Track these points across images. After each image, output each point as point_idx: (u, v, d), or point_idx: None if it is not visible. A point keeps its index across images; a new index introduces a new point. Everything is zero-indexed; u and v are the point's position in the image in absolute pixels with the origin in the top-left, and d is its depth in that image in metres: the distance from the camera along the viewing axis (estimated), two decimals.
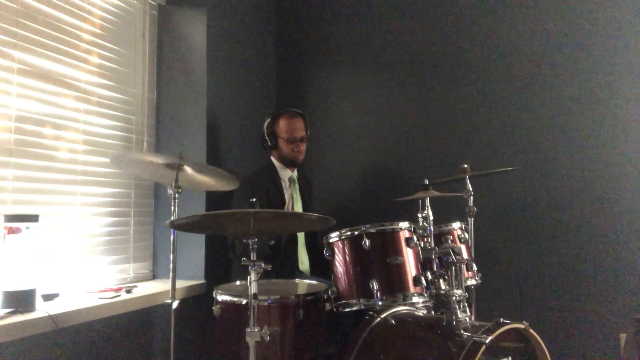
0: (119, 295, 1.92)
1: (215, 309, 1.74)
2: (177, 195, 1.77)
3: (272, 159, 2.50)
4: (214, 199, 2.37)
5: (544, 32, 2.62)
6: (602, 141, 2.48)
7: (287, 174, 2.48)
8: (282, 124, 2.43)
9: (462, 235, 2.10)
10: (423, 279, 1.76)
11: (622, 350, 2.34)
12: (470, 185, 2.26)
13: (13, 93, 1.75)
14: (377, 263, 1.76)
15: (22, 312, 1.54)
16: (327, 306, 1.78)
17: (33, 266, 1.59)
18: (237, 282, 1.99)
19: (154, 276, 2.39)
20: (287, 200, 2.40)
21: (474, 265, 2.03)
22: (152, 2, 2.44)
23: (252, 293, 1.44)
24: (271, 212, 1.58)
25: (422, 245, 1.85)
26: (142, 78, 2.38)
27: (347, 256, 1.81)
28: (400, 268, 1.76)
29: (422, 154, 2.84)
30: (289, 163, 2.47)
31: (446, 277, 1.75)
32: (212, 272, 2.37)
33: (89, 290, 1.95)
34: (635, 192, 2.41)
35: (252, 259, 1.47)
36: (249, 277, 1.46)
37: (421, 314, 1.84)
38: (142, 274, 2.34)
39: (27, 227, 1.58)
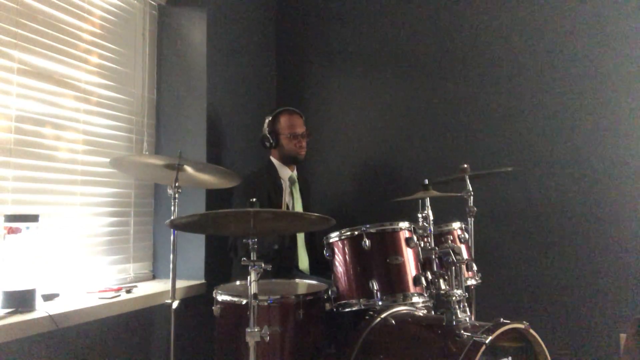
0: (119, 295, 1.92)
1: (215, 309, 1.74)
2: (177, 195, 1.77)
3: (272, 158, 2.51)
4: (214, 198, 2.37)
5: (544, 33, 2.62)
6: (602, 141, 2.48)
7: (287, 174, 2.48)
8: (283, 121, 2.45)
9: (462, 235, 2.10)
10: (423, 279, 1.76)
11: (622, 350, 2.34)
12: (470, 185, 2.26)
13: (13, 93, 1.75)
14: (377, 263, 1.76)
15: (22, 312, 1.54)
16: (327, 306, 1.78)
17: (33, 266, 1.59)
18: (237, 282, 1.99)
19: (154, 276, 2.39)
20: (285, 201, 2.40)
21: (474, 265, 2.03)
22: (152, 2, 2.44)
23: (252, 293, 1.44)
24: (271, 212, 1.58)
25: (422, 245, 1.84)
26: (142, 78, 2.38)
27: (347, 256, 1.81)
28: (400, 268, 1.76)
29: (422, 154, 2.84)
30: (291, 160, 2.48)
31: (446, 277, 1.75)
32: (212, 272, 2.37)
33: (89, 290, 1.96)
34: (635, 192, 2.41)
35: (252, 259, 1.47)
36: (249, 277, 1.46)
37: (421, 314, 1.84)
38: (142, 274, 2.34)
39: (27, 227, 1.58)
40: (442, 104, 2.81)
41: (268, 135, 2.45)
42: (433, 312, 1.93)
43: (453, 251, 1.72)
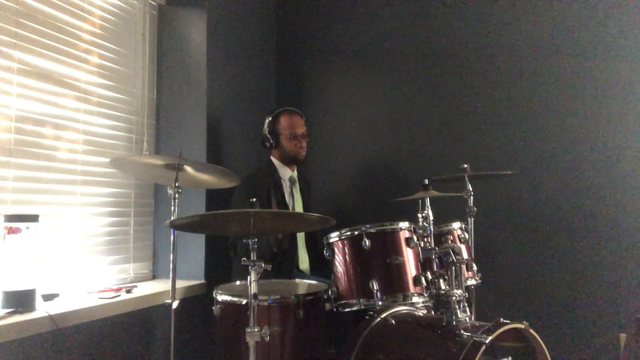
0: (119, 295, 1.92)
1: (215, 309, 1.74)
2: (177, 195, 1.77)
3: (272, 158, 2.51)
4: (214, 198, 2.37)
5: (546, 33, 2.62)
6: (602, 141, 2.48)
7: (287, 174, 2.48)
8: (283, 121, 2.44)
9: (462, 235, 2.10)
10: (423, 279, 1.76)
11: (622, 350, 2.34)
12: (470, 185, 2.26)
13: (13, 93, 1.75)
14: (377, 263, 1.76)
15: (22, 312, 1.54)
16: (327, 306, 1.78)
17: (33, 266, 1.59)
18: (237, 282, 1.99)
19: (154, 276, 2.40)
20: (287, 200, 2.41)
21: (474, 265, 2.03)
22: (152, 2, 2.44)
23: (252, 293, 1.44)
24: (271, 212, 1.58)
25: (422, 245, 1.84)
26: (142, 78, 2.38)
27: (347, 256, 1.81)
28: (400, 268, 1.76)
29: (422, 154, 2.84)
30: (291, 160, 2.48)
31: (446, 277, 1.75)
32: (212, 272, 2.37)
33: (89, 290, 1.96)
34: (635, 192, 2.41)
35: (252, 259, 1.47)
36: (249, 277, 1.46)
37: (421, 314, 1.84)
38: (142, 274, 2.34)
39: (27, 227, 1.58)
40: (442, 103, 2.81)
41: (268, 135, 2.45)
42: (433, 312, 1.93)
43: (453, 251, 1.72)
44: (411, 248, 1.80)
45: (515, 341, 1.64)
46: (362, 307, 1.75)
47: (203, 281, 2.33)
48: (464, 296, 1.67)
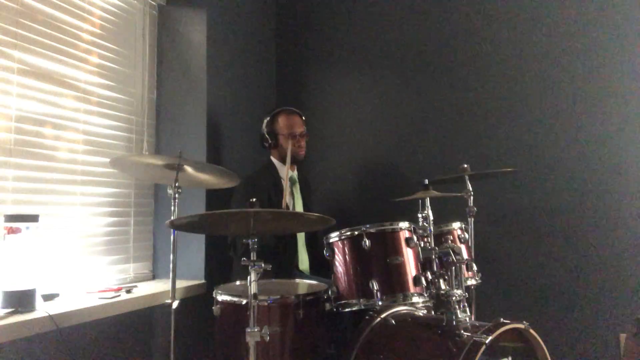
0: (119, 295, 1.92)
1: (215, 309, 1.74)
2: (177, 195, 1.77)
3: (272, 158, 2.51)
4: (214, 198, 2.37)
5: (546, 33, 2.62)
6: (602, 141, 2.48)
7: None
8: (281, 121, 2.44)
9: (462, 235, 2.10)
10: (423, 279, 1.76)
11: (622, 350, 2.34)
12: (470, 185, 2.26)
13: (13, 93, 1.75)
14: (377, 263, 1.76)
15: (22, 312, 1.54)
16: (327, 306, 1.78)
17: (33, 266, 1.59)
18: (237, 282, 1.99)
19: (154, 276, 2.39)
20: (285, 199, 2.40)
21: (474, 265, 2.03)
22: (152, 2, 2.44)
23: (252, 293, 1.44)
24: (271, 212, 1.58)
25: (422, 245, 1.84)
26: (142, 78, 2.38)
27: (347, 256, 1.81)
28: (400, 268, 1.76)
29: (422, 154, 2.84)
30: (291, 160, 2.47)
31: (446, 277, 1.75)
32: (212, 272, 2.37)
33: (89, 290, 1.96)
34: (636, 192, 2.40)
35: (252, 259, 1.47)
36: (249, 277, 1.46)
37: (421, 314, 1.84)
38: (142, 274, 2.34)
39: (27, 227, 1.58)
40: (442, 103, 2.81)
41: (267, 135, 2.45)
42: (433, 312, 1.93)
43: (453, 251, 1.72)
44: (411, 248, 1.80)
45: (515, 341, 1.64)
46: (362, 307, 1.75)
47: (203, 281, 2.33)
48: (464, 296, 1.67)
